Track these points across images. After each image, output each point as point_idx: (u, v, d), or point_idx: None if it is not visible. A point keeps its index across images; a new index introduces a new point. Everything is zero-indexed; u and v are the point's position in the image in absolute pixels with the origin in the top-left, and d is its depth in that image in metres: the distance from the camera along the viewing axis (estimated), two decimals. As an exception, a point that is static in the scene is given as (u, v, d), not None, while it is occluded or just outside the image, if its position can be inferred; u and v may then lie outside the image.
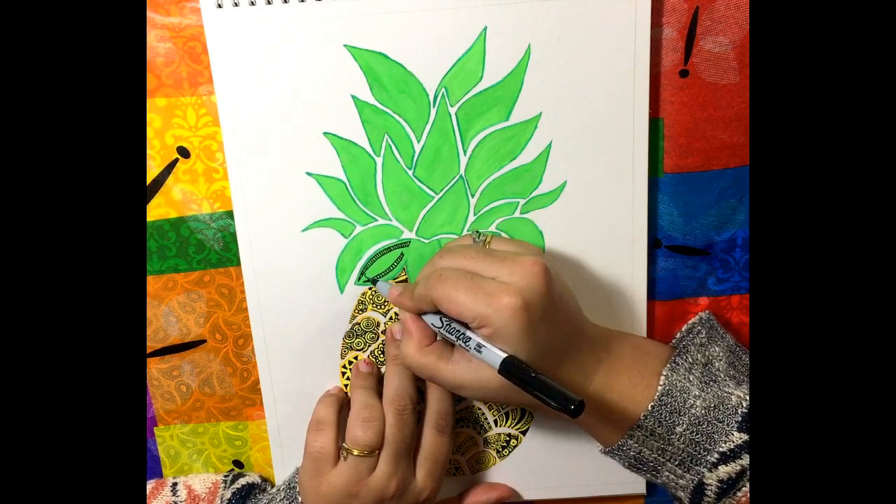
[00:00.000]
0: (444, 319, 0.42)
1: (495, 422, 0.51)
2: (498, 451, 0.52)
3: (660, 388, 0.42)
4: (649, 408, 0.42)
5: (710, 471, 0.42)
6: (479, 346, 0.40)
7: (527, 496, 0.53)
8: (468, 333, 0.41)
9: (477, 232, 0.45)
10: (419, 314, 0.44)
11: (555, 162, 0.46)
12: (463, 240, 0.46)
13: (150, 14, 0.43)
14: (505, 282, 0.39)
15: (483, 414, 0.51)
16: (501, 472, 0.52)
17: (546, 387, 0.36)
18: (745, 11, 0.43)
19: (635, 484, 0.52)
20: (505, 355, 0.39)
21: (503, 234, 0.47)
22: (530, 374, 0.37)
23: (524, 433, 0.51)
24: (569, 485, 0.52)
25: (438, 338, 0.44)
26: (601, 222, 0.47)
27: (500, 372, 0.39)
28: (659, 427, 0.42)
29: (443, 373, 0.42)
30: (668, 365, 0.43)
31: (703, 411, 0.42)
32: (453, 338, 0.41)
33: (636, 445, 0.43)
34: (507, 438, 0.52)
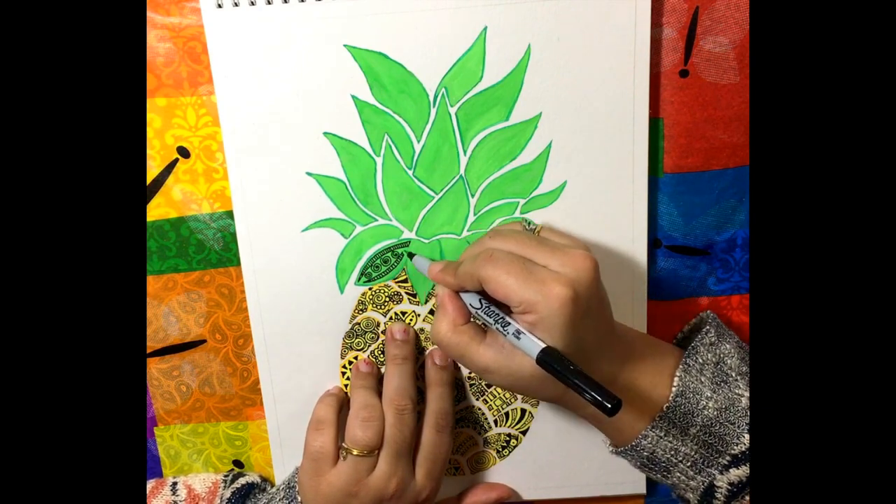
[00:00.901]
0: (483, 301, 0.42)
1: (495, 422, 0.51)
2: (498, 451, 0.52)
3: (674, 389, 0.42)
4: (664, 409, 0.42)
5: (721, 473, 0.42)
6: (518, 332, 0.39)
7: (527, 496, 0.53)
8: (508, 319, 0.40)
9: (526, 220, 0.45)
10: (458, 292, 0.43)
11: (555, 162, 0.46)
12: (512, 226, 0.46)
13: (150, 14, 0.43)
14: (556, 271, 0.39)
15: (483, 414, 0.51)
16: (501, 472, 0.52)
17: (586, 381, 0.36)
18: (745, 11, 0.43)
19: (635, 484, 0.52)
20: (544, 345, 0.38)
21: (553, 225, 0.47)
22: (569, 366, 0.37)
23: (524, 433, 0.51)
24: (569, 485, 0.52)
25: (472, 318, 0.44)
26: (601, 222, 0.47)
27: (538, 361, 0.38)
28: (673, 428, 0.42)
29: (473, 354, 0.42)
30: (681, 366, 0.43)
31: (715, 413, 0.42)
32: (491, 321, 0.41)
33: (650, 446, 0.43)
34: (507, 438, 0.52)
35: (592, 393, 0.36)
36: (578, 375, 0.36)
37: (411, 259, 0.48)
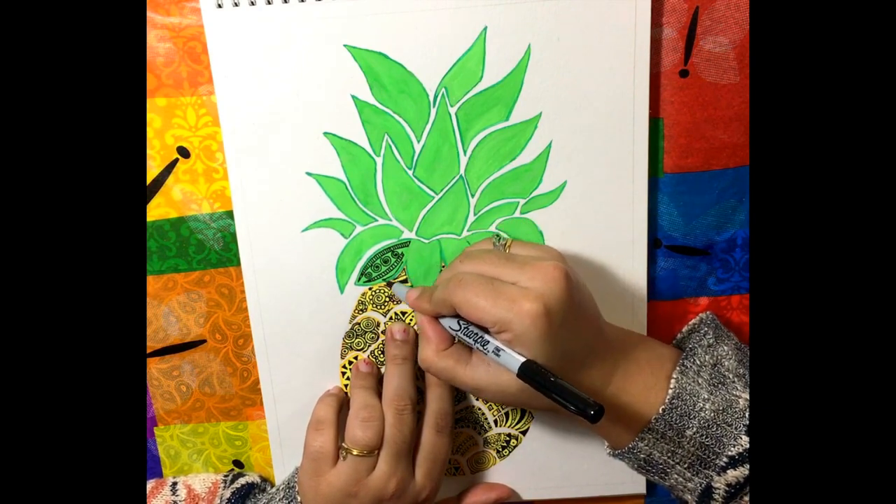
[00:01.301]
0: (461, 323, 0.42)
1: (495, 422, 0.51)
2: (498, 451, 0.52)
3: (670, 391, 0.42)
4: (660, 411, 0.42)
5: (718, 475, 0.42)
6: (497, 349, 0.40)
7: (526, 496, 0.53)
8: (486, 337, 0.41)
9: (497, 236, 0.45)
10: (437, 318, 0.44)
11: (555, 162, 0.46)
12: (483, 244, 0.46)
13: (150, 14, 0.43)
14: (525, 287, 0.39)
15: (483, 414, 0.51)
16: (501, 472, 0.52)
17: (565, 392, 0.36)
18: (745, 11, 0.43)
19: (635, 484, 0.52)
20: (523, 360, 0.39)
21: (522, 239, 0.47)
22: (549, 378, 0.37)
23: (524, 433, 0.51)
24: (569, 485, 0.52)
25: (457, 341, 0.44)
26: (601, 222, 0.47)
27: (518, 376, 0.38)
28: (669, 430, 0.42)
29: (461, 376, 0.43)
30: (678, 368, 0.43)
31: (712, 414, 0.42)
32: (471, 341, 0.41)
33: (647, 448, 0.43)
34: (507, 438, 0.52)
35: (573, 403, 0.36)
36: (557, 387, 0.37)
37: (390, 287, 0.48)
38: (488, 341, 0.40)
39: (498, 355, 0.40)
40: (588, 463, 0.52)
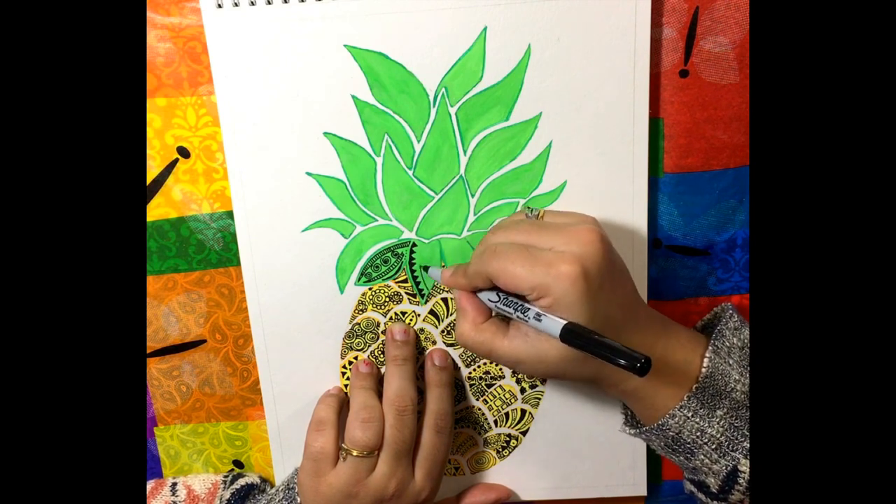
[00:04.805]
0: (500, 294, 0.42)
1: (495, 422, 0.51)
2: (498, 452, 0.52)
3: (703, 370, 0.42)
4: (693, 389, 0.42)
5: (745, 457, 0.42)
6: (538, 315, 0.39)
7: (526, 497, 0.53)
8: (527, 305, 0.40)
9: (529, 208, 0.45)
10: (474, 292, 0.44)
11: (555, 162, 0.46)
12: (515, 216, 0.46)
13: (150, 14, 0.43)
14: (562, 251, 0.39)
15: (483, 414, 0.51)
16: (501, 473, 0.52)
17: (610, 347, 0.36)
18: (745, 11, 0.43)
19: (635, 486, 0.52)
20: (565, 322, 0.38)
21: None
22: (592, 336, 0.37)
23: (524, 433, 0.51)
24: (569, 485, 0.52)
25: (493, 315, 0.44)
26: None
27: (561, 338, 0.38)
28: (701, 409, 0.42)
29: (500, 349, 0.42)
30: (710, 348, 0.43)
31: (742, 396, 0.42)
32: (511, 310, 0.41)
33: (676, 426, 0.43)
34: (507, 438, 0.52)
35: (620, 357, 0.36)
36: (601, 345, 0.36)
37: (426, 272, 0.48)
38: (528, 308, 0.40)
39: (539, 320, 0.39)
40: (588, 464, 0.52)
